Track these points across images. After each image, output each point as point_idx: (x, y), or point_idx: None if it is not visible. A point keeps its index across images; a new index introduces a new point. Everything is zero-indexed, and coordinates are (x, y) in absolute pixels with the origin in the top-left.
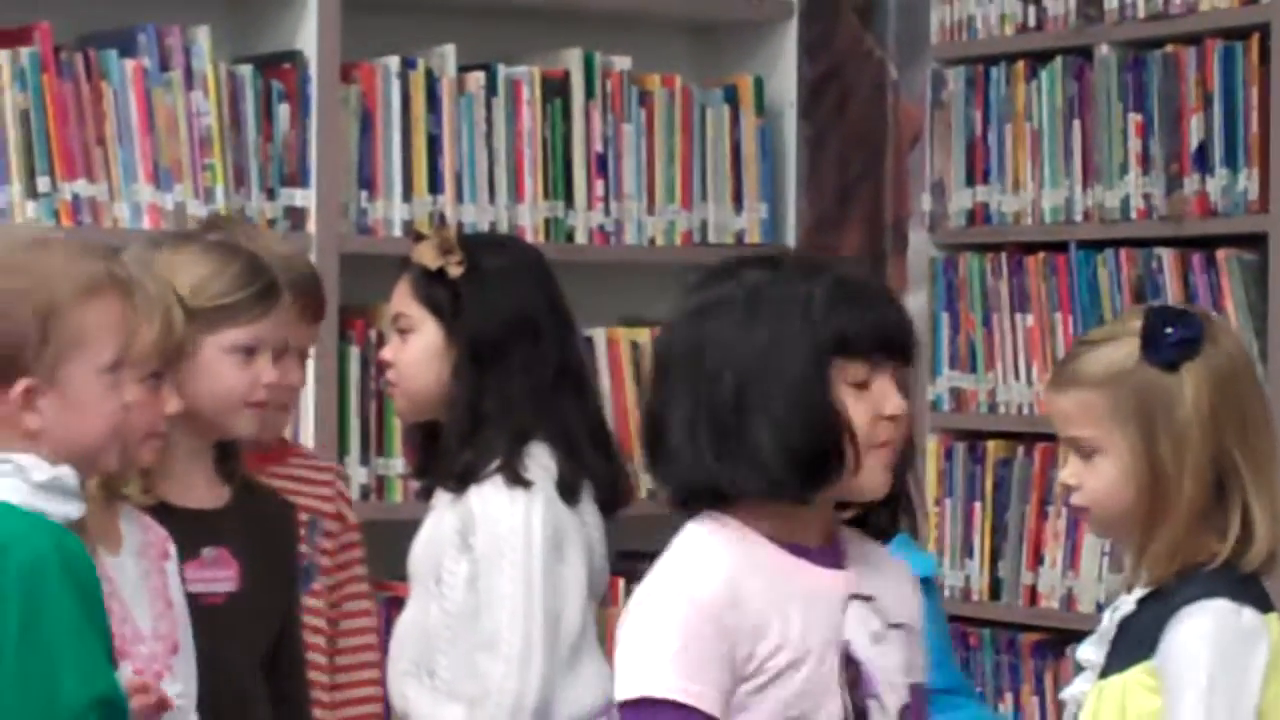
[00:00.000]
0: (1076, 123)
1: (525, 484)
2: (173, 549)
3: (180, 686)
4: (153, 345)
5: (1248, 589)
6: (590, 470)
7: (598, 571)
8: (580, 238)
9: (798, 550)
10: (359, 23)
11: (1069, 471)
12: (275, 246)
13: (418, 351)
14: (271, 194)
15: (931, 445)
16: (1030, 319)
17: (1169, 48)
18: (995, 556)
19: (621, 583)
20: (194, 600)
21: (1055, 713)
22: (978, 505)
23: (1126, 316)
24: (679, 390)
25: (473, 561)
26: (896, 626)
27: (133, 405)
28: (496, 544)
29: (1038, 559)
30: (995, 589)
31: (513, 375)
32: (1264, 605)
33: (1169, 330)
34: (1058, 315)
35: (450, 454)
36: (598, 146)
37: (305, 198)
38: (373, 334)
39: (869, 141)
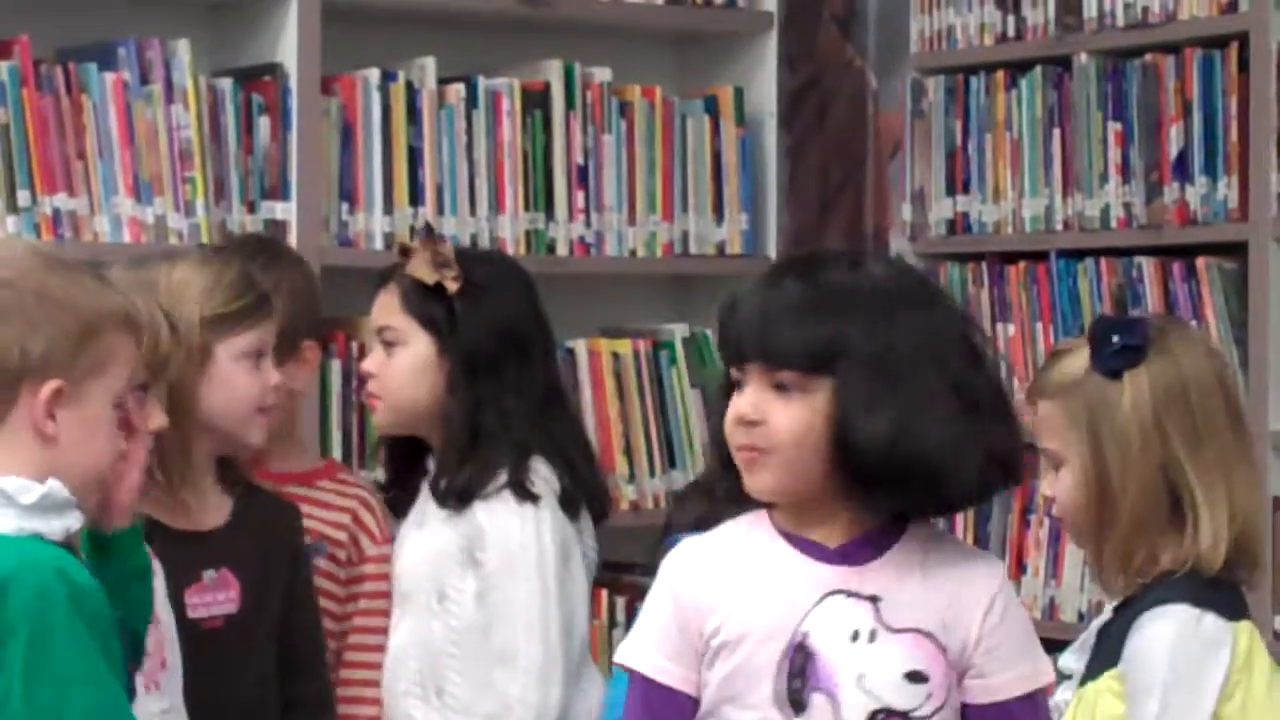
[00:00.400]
0: (1056, 132)
1: (534, 499)
2: (158, 565)
3: (167, 702)
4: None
5: (1217, 595)
6: (584, 483)
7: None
8: (561, 249)
9: (801, 543)
10: (339, 35)
11: (1045, 483)
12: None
13: (406, 365)
14: (252, 207)
15: None
16: (1011, 328)
17: (1148, 57)
18: None
19: (605, 594)
20: (195, 626)
21: None
22: (959, 515)
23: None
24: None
25: (481, 578)
26: (905, 631)
27: (130, 460)
28: (509, 559)
29: (1020, 568)
30: None
31: (507, 390)
32: (1233, 612)
33: (1114, 339)
34: (1039, 324)
35: (449, 471)
36: (578, 158)
37: (286, 210)
38: (354, 346)
39: (849, 151)
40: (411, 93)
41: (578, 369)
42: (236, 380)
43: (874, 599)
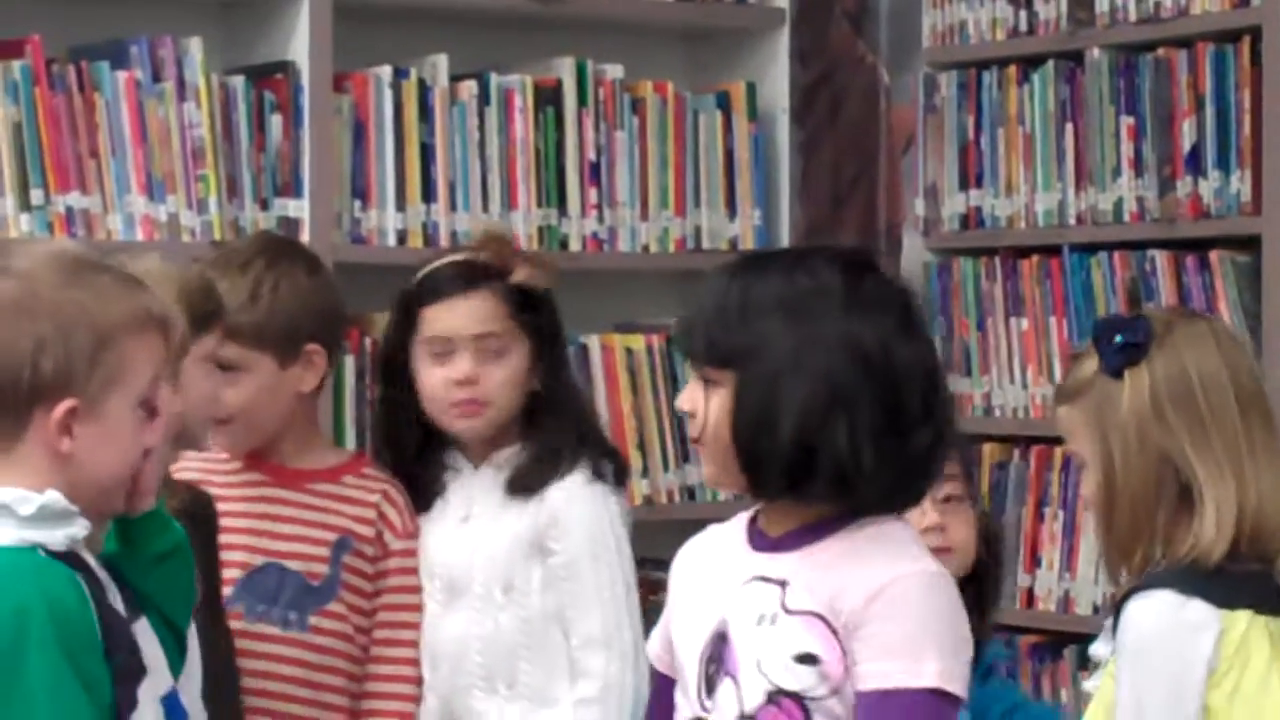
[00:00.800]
0: (1069, 126)
1: (604, 478)
2: None
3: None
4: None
5: (1212, 583)
6: (615, 454)
7: None
8: (574, 245)
9: (754, 534)
10: (351, 32)
11: (1082, 486)
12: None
13: (511, 371)
14: (265, 204)
15: None
16: (1025, 322)
17: (1160, 51)
18: None
19: None
20: None
21: None
22: None
23: None
24: None
25: (556, 565)
26: (800, 614)
27: (153, 448)
28: (591, 544)
29: (1035, 562)
30: None
31: (566, 384)
32: (1229, 600)
33: (1117, 338)
34: (1052, 319)
35: (535, 467)
36: (591, 154)
37: (299, 208)
38: (367, 343)
39: (862, 146)
40: (424, 90)
41: (591, 364)
42: (198, 382)
43: (783, 583)
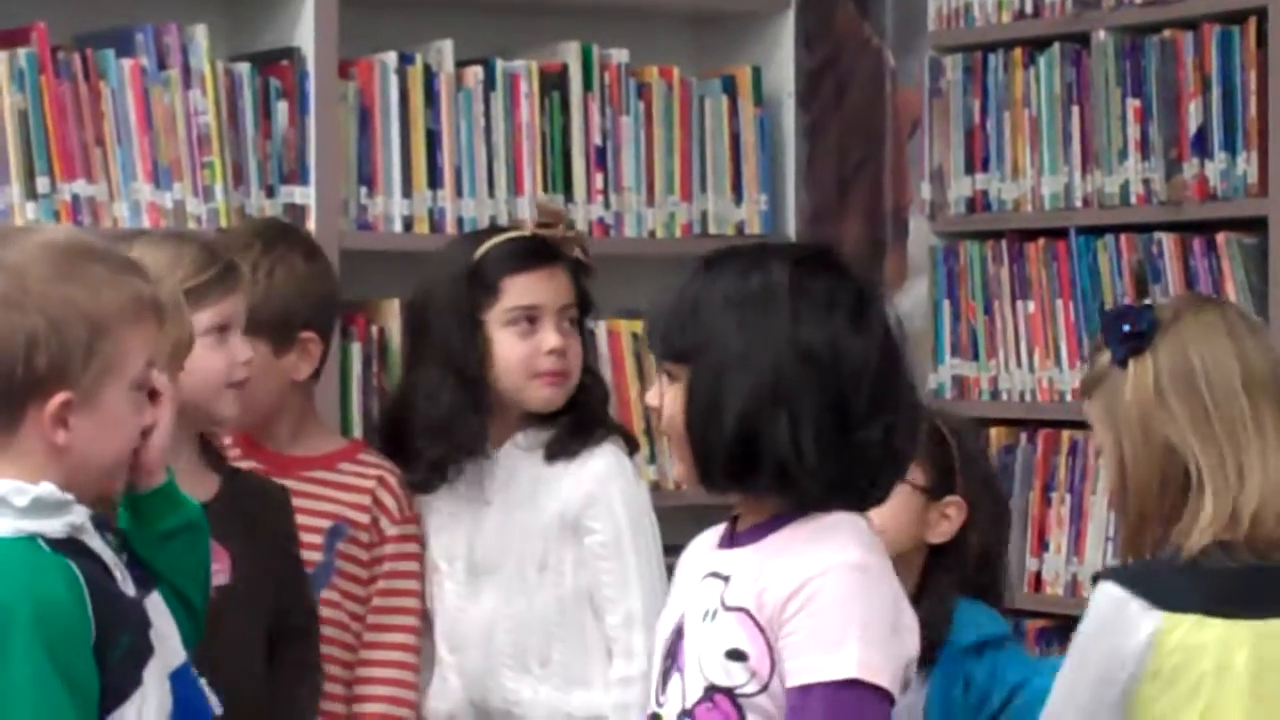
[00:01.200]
0: (1075, 109)
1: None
2: None
3: None
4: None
5: (1166, 581)
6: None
7: None
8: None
9: (728, 530)
10: (356, 19)
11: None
12: None
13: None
14: (271, 191)
15: None
16: (1031, 306)
17: (1166, 33)
18: None
19: None
20: None
21: None
22: None
23: None
24: None
25: (594, 544)
26: (733, 610)
27: (151, 427)
28: (631, 523)
29: (1042, 545)
30: None
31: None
32: (1176, 602)
33: (1123, 328)
34: (1059, 302)
35: (574, 436)
36: (596, 139)
37: (305, 195)
38: (374, 330)
39: (868, 130)
40: (429, 76)
41: (598, 350)
42: (202, 356)
43: (726, 579)
